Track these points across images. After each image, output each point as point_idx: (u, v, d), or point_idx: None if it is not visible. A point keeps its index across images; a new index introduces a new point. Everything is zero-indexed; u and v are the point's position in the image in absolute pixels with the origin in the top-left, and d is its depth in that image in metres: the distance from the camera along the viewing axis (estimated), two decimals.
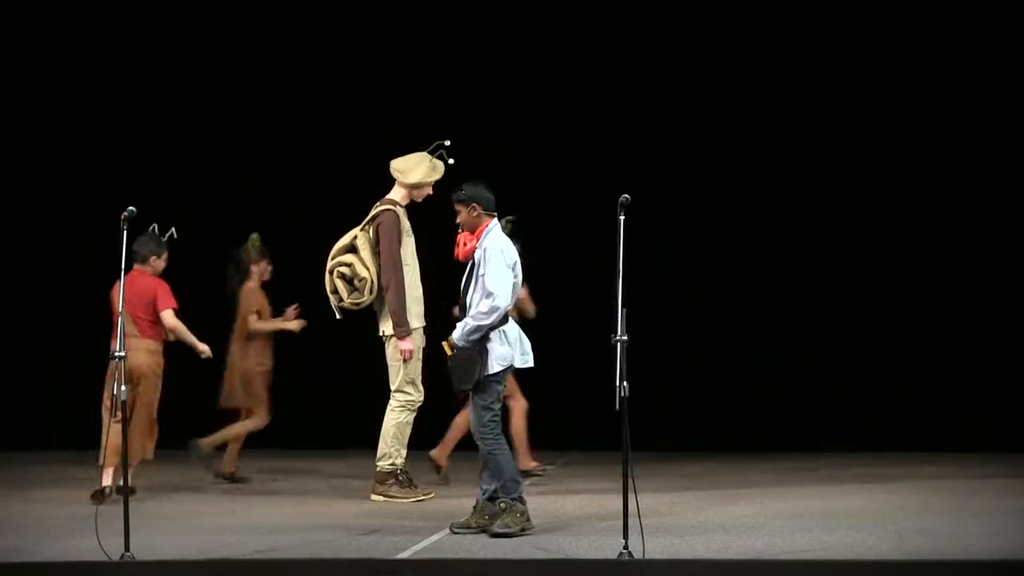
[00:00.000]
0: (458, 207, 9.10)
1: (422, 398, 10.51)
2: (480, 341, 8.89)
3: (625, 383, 7.78)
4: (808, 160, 13.89)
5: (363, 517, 9.64)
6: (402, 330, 10.37)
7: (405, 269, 10.43)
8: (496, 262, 8.94)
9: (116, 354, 8.13)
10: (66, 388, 13.91)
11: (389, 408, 10.47)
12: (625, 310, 7.85)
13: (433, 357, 10.29)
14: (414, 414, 10.51)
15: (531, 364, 9.19)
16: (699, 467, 12.51)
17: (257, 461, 13.05)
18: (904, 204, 13.81)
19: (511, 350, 9.01)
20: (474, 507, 9.06)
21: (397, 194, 10.57)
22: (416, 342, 10.45)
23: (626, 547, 7.78)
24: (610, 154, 13.84)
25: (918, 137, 13.75)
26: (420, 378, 10.50)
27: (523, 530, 8.83)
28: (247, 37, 14.16)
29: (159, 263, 10.69)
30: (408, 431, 10.50)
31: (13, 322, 14.48)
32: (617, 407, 7.78)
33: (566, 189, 13.70)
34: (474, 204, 9.05)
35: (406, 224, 10.51)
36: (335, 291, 10.53)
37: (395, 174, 10.57)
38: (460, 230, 9.14)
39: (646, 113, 13.95)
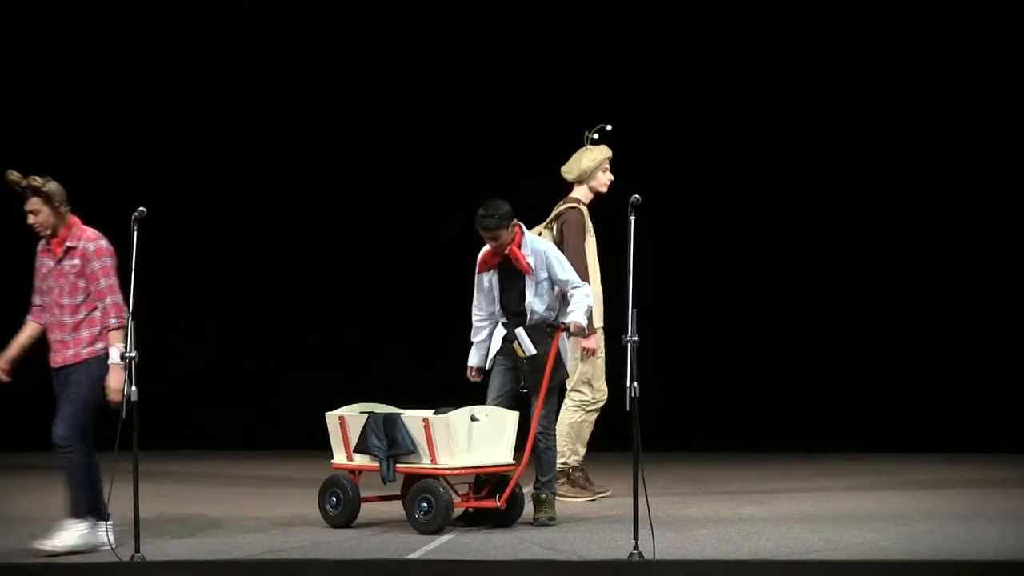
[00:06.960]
0: (499, 233, 9.09)
1: (604, 397, 10.42)
2: (561, 342, 9.25)
3: (636, 384, 7.78)
4: (815, 160, 13.87)
5: (373, 517, 9.63)
6: (588, 328, 10.12)
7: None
8: (563, 256, 9.31)
9: (127, 355, 8.11)
10: None
11: (563, 407, 10.30)
12: (636, 311, 7.84)
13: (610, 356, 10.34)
14: (595, 414, 10.43)
15: None
16: (709, 468, 12.50)
17: (263, 462, 13.06)
18: (913, 206, 13.79)
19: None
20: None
21: (579, 193, 10.51)
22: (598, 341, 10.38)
23: (636, 547, 7.78)
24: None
25: (920, 139, 13.73)
26: (600, 379, 10.41)
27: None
28: (250, 37, 14.17)
29: None
30: (586, 430, 10.43)
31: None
32: (627, 408, 7.78)
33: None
34: (514, 222, 9.16)
35: (589, 224, 10.45)
36: None
37: (566, 176, 10.53)
38: (492, 250, 9.19)
39: (650, 113, 13.93)
